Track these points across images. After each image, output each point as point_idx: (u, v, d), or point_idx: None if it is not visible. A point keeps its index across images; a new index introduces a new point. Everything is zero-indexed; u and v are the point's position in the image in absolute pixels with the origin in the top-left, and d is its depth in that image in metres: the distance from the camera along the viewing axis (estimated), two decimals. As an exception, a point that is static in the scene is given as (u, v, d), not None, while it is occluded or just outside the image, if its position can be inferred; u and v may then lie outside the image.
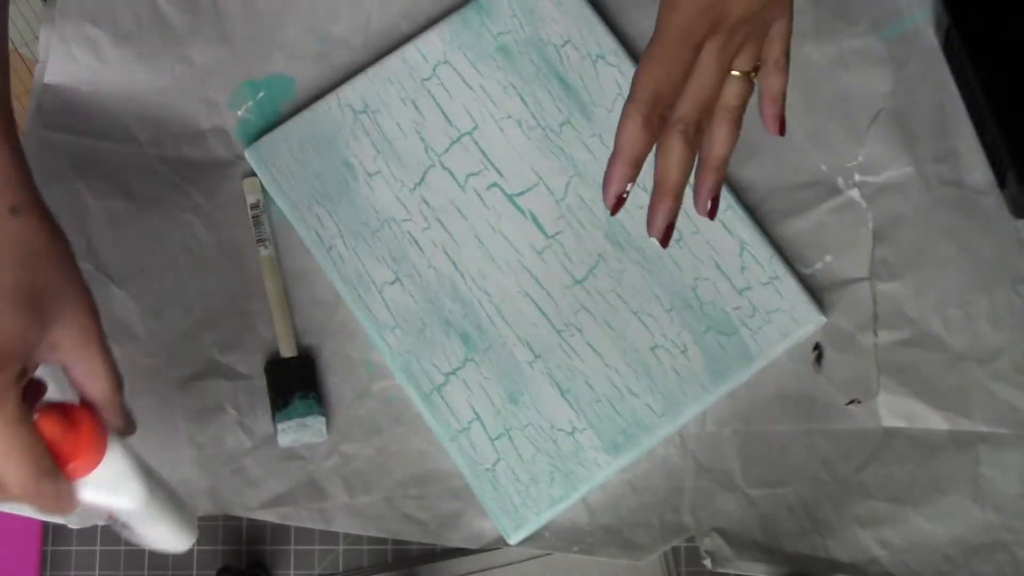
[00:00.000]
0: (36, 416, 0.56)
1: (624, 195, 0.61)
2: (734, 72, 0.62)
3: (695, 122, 0.61)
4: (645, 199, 0.80)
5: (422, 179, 0.81)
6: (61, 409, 0.57)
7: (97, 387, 0.58)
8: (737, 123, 0.63)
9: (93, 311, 0.57)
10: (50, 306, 0.54)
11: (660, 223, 0.63)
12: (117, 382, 0.58)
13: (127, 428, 0.59)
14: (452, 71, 0.82)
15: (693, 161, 0.62)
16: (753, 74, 0.63)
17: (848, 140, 0.81)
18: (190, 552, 0.78)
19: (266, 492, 0.78)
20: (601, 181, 0.80)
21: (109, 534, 0.78)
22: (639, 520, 0.78)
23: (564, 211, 0.80)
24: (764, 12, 0.61)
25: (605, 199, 0.62)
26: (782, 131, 0.66)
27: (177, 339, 0.79)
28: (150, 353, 0.79)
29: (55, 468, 0.54)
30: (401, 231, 0.80)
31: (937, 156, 0.81)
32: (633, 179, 0.61)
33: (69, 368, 0.57)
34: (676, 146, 0.61)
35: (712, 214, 0.64)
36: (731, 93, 0.62)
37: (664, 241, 0.63)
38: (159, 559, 0.78)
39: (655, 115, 0.60)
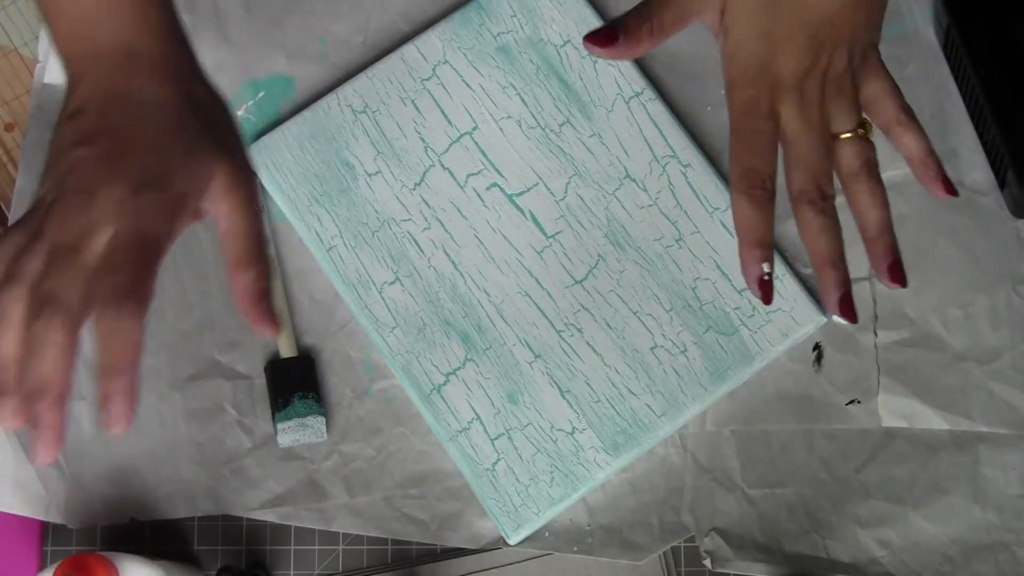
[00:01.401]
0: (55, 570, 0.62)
1: (765, 277, 0.59)
2: (842, 136, 0.60)
3: (814, 189, 0.59)
4: (645, 199, 0.80)
5: (422, 179, 0.81)
6: (79, 562, 0.63)
7: (234, 226, 0.59)
8: (871, 183, 0.61)
9: (247, 167, 0.60)
10: (209, 157, 0.58)
11: (832, 297, 0.60)
12: (253, 226, 0.59)
13: (251, 264, 0.59)
14: (452, 71, 0.82)
15: (835, 227, 0.60)
16: (862, 131, 0.61)
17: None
18: (190, 552, 0.78)
19: (266, 492, 0.78)
20: (601, 181, 0.80)
21: (109, 536, 0.78)
22: (639, 520, 0.78)
23: (564, 211, 0.80)
24: (826, 65, 0.60)
25: (749, 287, 0.60)
26: (949, 190, 0.63)
27: (177, 339, 0.79)
28: (150, 353, 0.79)
29: (149, 294, 0.55)
30: (401, 231, 0.80)
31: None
32: (768, 260, 0.59)
33: (217, 214, 0.59)
34: (807, 216, 0.59)
35: (900, 280, 0.61)
36: (846, 156, 0.61)
37: (851, 317, 0.60)
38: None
39: (755, 189, 0.59)
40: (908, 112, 0.62)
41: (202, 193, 0.58)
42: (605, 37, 0.62)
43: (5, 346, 0.52)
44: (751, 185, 0.59)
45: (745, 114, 0.59)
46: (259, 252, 0.59)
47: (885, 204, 0.61)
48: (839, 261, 0.60)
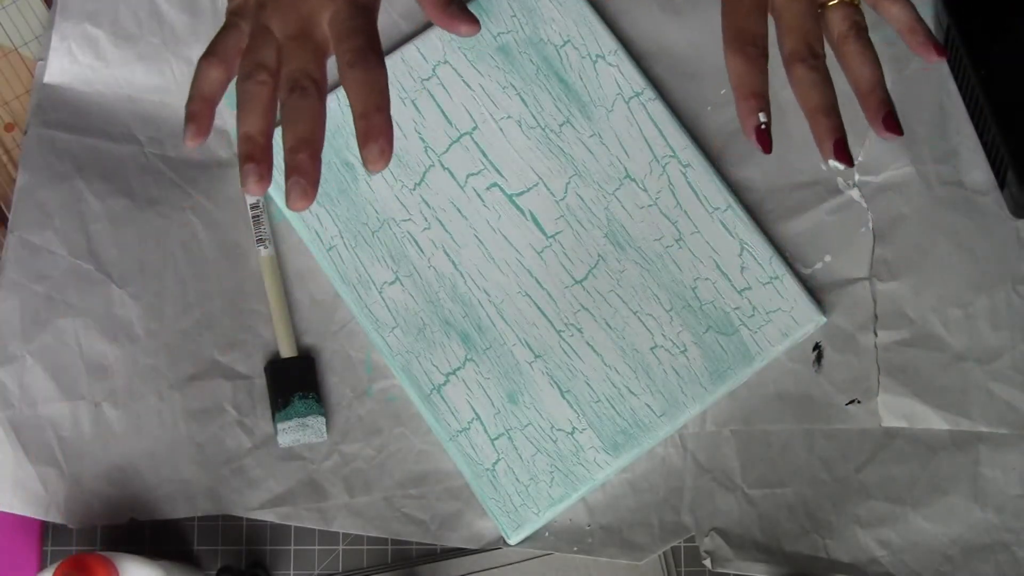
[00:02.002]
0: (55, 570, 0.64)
1: (761, 126, 0.63)
2: (829, 3, 0.64)
3: (804, 48, 0.63)
4: (645, 199, 0.80)
5: (422, 179, 0.81)
6: (79, 562, 0.63)
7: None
8: (859, 43, 0.64)
9: None
10: None
11: (827, 143, 0.63)
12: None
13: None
14: (452, 71, 0.82)
15: (826, 82, 0.63)
16: None
17: (848, 140, 0.81)
18: (190, 552, 0.78)
19: (266, 492, 0.78)
20: (601, 181, 0.80)
21: (109, 536, 0.78)
22: (639, 520, 0.78)
23: (564, 211, 0.80)
24: None
25: (748, 135, 0.63)
26: (940, 53, 0.65)
27: (177, 339, 0.79)
28: (150, 353, 0.79)
29: (380, 51, 0.59)
30: (401, 231, 0.80)
31: (937, 156, 0.81)
32: (764, 109, 0.62)
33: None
34: (799, 73, 0.63)
35: (895, 129, 0.64)
36: (835, 20, 0.64)
37: (845, 159, 0.63)
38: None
39: (748, 47, 0.62)
40: None
41: None
42: (838, 150, 0.64)
43: (254, 123, 0.59)
44: (743, 43, 0.63)
45: None
46: None
47: (876, 62, 0.64)
48: (832, 111, 0.63)
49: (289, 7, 0.61)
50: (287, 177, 0.57)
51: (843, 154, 0.63)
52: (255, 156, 0.58)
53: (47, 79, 0.82)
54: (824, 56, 0.63)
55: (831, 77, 0.63)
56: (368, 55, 0.59)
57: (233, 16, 0.62)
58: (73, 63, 0.82)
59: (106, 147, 0.82)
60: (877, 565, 0.76)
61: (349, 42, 0.59)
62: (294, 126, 0.58)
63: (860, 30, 0.64)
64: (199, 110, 0.61)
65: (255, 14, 0.61)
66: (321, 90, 0.59)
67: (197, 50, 0.83)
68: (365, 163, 0.57)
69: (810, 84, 0.63)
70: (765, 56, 0.63)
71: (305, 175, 0.57)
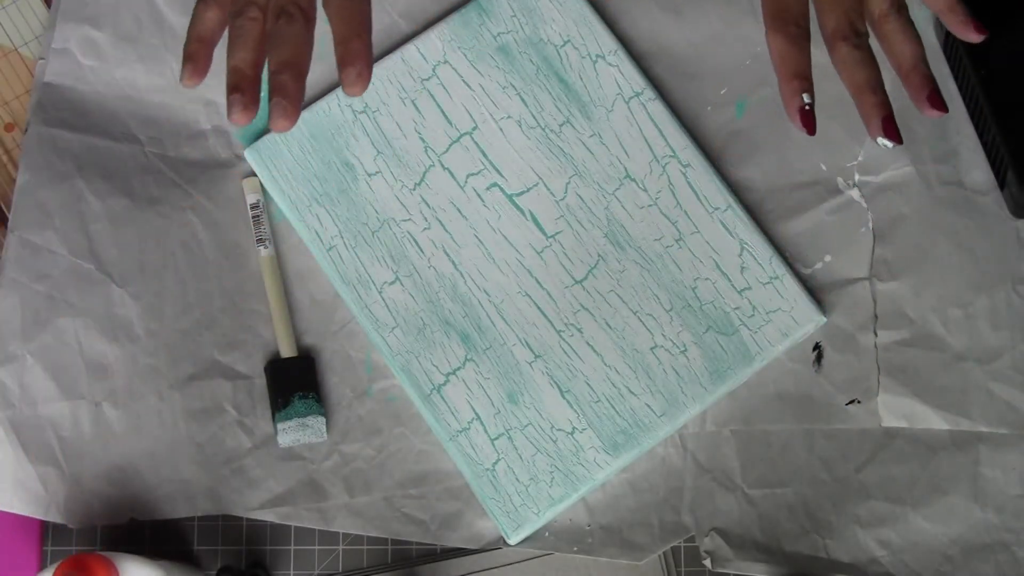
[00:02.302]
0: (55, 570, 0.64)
1: (806, 107, 0.62)
2: None
3: (847, 25, 0.62)
4: (645, 199, 0.80)
5: (422, 179, 0.81)
6: (79, 562, 0.63)
7: None
8: (900, 20, 0.64)
9: None
10: None
11: (875, 121, 0.63)
12: None
13: None
14: (452, 71, 0.82)
15: (871, 59, 0.63)
16: None
17: (848, 140, 0.81)
18: (190, 552, 0.78)
19: (266, 492, 0.78)
20: (601, 181, 0.80)
21: (109, 536, 0.78)
22: (639, 520, 0.78)
23: (564, 211, 0.80)
24: None
25: (791, 118, 0.63)
26: (981, 31, 0.65)
27: (177, 339, 0.79)
28: (150, 353, 0.79)
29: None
30: (401, 231, 0.80)
31: (937, 156, 0.81)
32: (808, 90, 0.62)
33: None
34: (843, 51, 0.62)
35: (940, 106, 0.64)
36: (875, 2, 0.64)
37: (894, 137, 0.63)
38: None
39: (790, 26, 0.62)
40: None
41: None
42: (887, 126, 0.63)
43: (243, 56, 0.59)
44: (785, 22, 0.62)
45: None
46: None
47: (917, 40, 0.64)
48: (879, 88, 0.63)
49: None
50: (270, 98, 0.58)
51: (892, 131, 0.63)
52: (241, 86, 0.59)
53: (47, 78, 0.82)
54: (867, 34, 0.63)
55: (875, 55, 0.63)
56: None
57: None
58: (73, 63, 0.82)
59: (106, 147, 0.82)
60: (877, 565, 0.76)
61: None
62: (279, 50, 0.59)
63: (901, 7, 0.64)
64: (196, 51, 0.62)
65: None
66: (308, 16, 0.59)
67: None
68: (344, 87, 0.58)
69: (855, 62, 0.62)
70: (808, 36, 0.62)
71: (287, 96, 0.58)
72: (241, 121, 0.59)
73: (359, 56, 0.58)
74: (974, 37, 0.65)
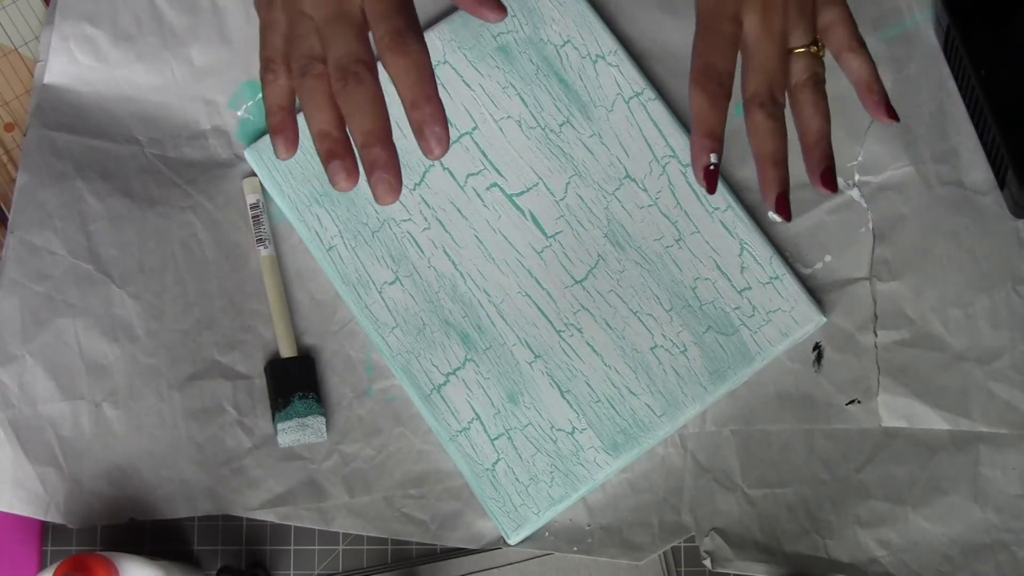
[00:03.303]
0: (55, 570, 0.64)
1: (711, 166, 0.63)
2: (796, 50, 0.65)
3: (767, 92, 0.63)
4: (645, 199, 0.80)
5: (422, 179, 0.81)
6: (79, 562, 0.63)
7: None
8: (816, 94, 0.65)
9: None
10: None
11: (771, 194, 0.64)
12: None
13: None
14: (452, 71, 0.82)
15: (782, 131, 0.63)
16: (815, 48, 0.65)
17: (848, 140, 0.81)
18: (190, 552, 0.78)
19: (266, 492, 0.78)
20: (601, 181, 0.80)
21: (109, 536, 0.78)
22: (639, 520, 0.78)
23: (564, 211, 0.80)
24: None
25: (696, 174, 0.63)
26: (890, 115, 0.67)
27: (177, 339, 0.79)
28: (150, 353, 0.79)
29: (418, 28, 0.59)
30: (401, 231, 0.80)
31: (937, 156, 0.81)
32: (716, 151, 0.63)
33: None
34: (757, 119, 0.63)
35: (831, 186, 0.65)
36: (797, 68, 0.65)
37: (784, 214, 0.64)
38: (159, 559, 0.78)
39: (712, 84, 0.63)
40: (859, 41, 0.66)
41: None
42: (780, 203, 0.65)
43: (324, 118, 0.59)
44: (708, 80, 0.63)
45: (711, 14, 0.64)
46: None
47: (826, 116, 0.65)
48: (781, 162, 0.64)
49: None
50: (368, 175, 0.57)
51: (784, 208, 0.64)
52: (336, 152, 0.58)
53: (47, 80, 0.82)
54: (783, 104, 0.64)
55: (787, 126, 0.64)
56: (408, 36, 0.58)
57: (267, 10, 0.62)
58: (73, 63, 0.82)
59: (106, 147, 0.82)
60: (877, 565, 0.76)
61: (387, 23, 0.58)
62: (359, 118, 0.57)
63: (818, 81, 0.65)
64: (281, 121, 0.61)
65: (284, 6, 0.60)
66: (373, 71, 0.58)
67: (197, 50, 0.83)
68: (424, 153, 0.57)
69: (766, 131, 0.63)
70: (728, 96, 0.63)
71: (386, 168, 0.57)
72: (348, 188, 0.58)
73: (436, 120, 0.57)
74: (884, 120, 0.66)
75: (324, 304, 0.81)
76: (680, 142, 0.81)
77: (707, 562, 0.77)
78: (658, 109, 0.81)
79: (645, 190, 0.80)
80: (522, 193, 0.80)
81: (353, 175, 0.58)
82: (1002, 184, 0.79)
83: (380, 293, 0.79)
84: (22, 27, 0.85)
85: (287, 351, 0.79)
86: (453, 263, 0.79)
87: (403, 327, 0.79)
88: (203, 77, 0.83)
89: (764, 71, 0.63)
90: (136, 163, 0.82)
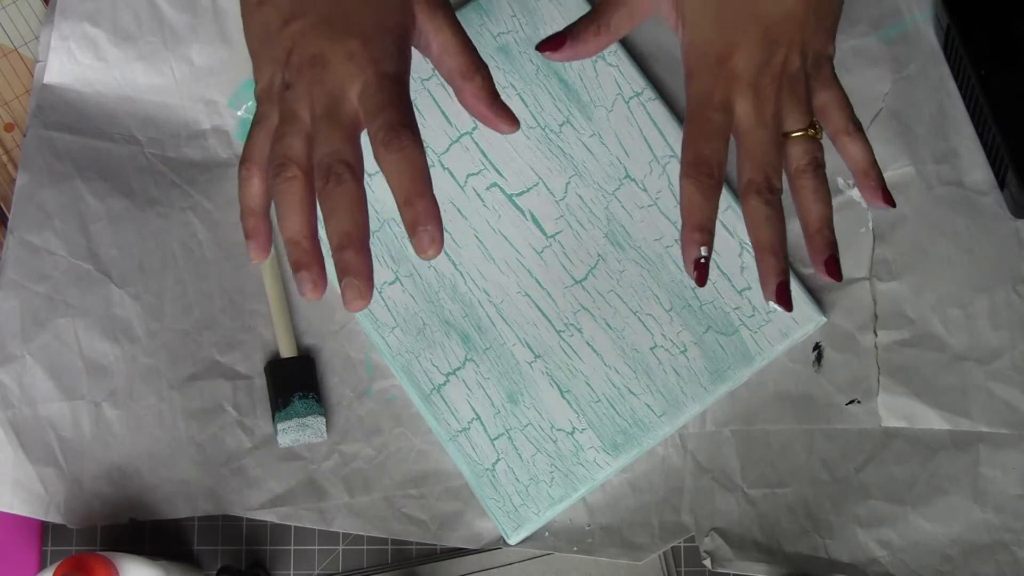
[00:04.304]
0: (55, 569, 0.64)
1: (702, 260, 0.61)
2: (793, 134, 0.63)
3: (763, 180, 0.61)
4: (645, 199, 0.80)
5: (422, 179, 0.81)
6: (79, 562, 0.64)
7: (453, 62, 0.63)
8: (816, 179, 0.63)
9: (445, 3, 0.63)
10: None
11: (771, 284, 0.62)
12: (463, 39, 0.63)
13: (475, 72, 0.63)
14: (452, 71, 0.82)
15: (779, 218, 0.62)
16: (812, 131, 0.63)
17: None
18: (190, 552, 0.78)
19: (266, 492, 0.78)
20: (601, 181, 0.80)
21: (109, 536, 0.78)
22: (639, 520, 0.78)
23: (564, 211, 0.80)
24: (781, 64, 0.62)
25: (685, 267, 0.62)
26: (887, 201, 0.65)
27: (177, 339, 0.79)
28: (150, 353, 0.79)
29: (413, 123, 0.57)
30: (401, 231, 0.80)
31: (937, 156, 0.81)
32: (707, 244, 0.61)
33: (427, 41, 0.62)
34: (754, 207, 0.61)
35: (836, 275, 0.64)
36: (795, 153, 0.63)
37: (785, 304, 0.62)
38: (159, 559, 0.78)
39: (703, 176, 0.61)
40: (856, 124, 0.65)
41: (412, 27, 0.61)
42: (555, 41, 0.67)
43: (293, 225, 0.57)
44: (699, 172, 0.61)
45: (700, 103, 0.62)
46: (477, 59, 0.63)
47: (827, 201, 0.64)
48: (780, 250, 0.62)
49: (315, 84, 0.58)
50: (339, 277, 0.56)
51: (784, 299, 0.62)
52: (304, 263, 0.57)
53: (47, 79, 0.82)
54: (781, 190, 0.62)
55: (784, 213, 0.62)
56: (402, 132, 0.57)
57: (263, 104, 0.60)
58: (73, 63, 0.82)
59: (106, 147, 0.82)
60: (877, 565, 0.76)
61: (381, 117, 0.57)
62: (335, 220, 0.56)
63: (818, 167, 0.63)
64: (254, 227, 0.61)
65: (280, 96, 0.59)
66: (356, 173, 0.57)
67: (197, 50, 0.83)
68: (417, 251, 0.56)
69: (763, 219, 0.61)
70: (719, 187, 0.61)
71: (357, 273, 0.55)
72: (315, 297, 0.57)
73: (430, 217, 0.56)
74: (881, 206, 0.65)
75: (324, 304, 0.81)
76: (680, 142, 0.81)
77: (707, 562, 0.77)
78: (658, 109, 0.81)
79: (645, 190, 0.80)
80: (522, 193, 0.80)
81: (320, 286, 0.57)
82: (1002, 184, 0.79)
83: (380, 293, 0.79)
84: (22, 27, 0.85)
85: (287, 351, 0.79)
86: (453, 263, 0.79)
87: (403, 327, 0.79)
88: (203, 77, 0.83)
89: (759, 158, 0.62)
90: (136, 163, 0.82)
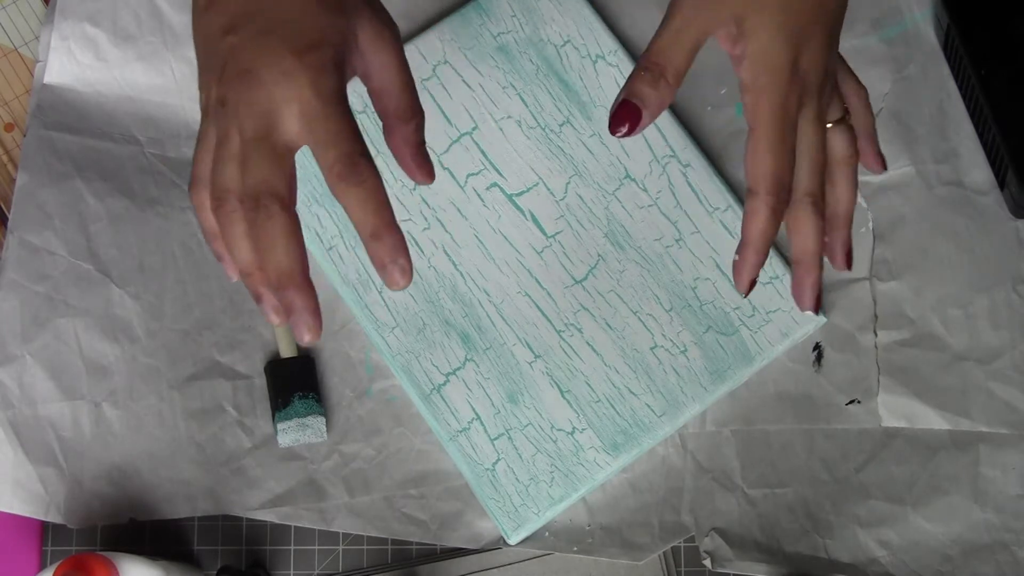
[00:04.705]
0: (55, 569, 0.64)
1: (756, 280, 0.61)
2: (834, 124, 0.62)
3: (819, 189, 0.60)
4: (645, 199, 0.80)
5: (422, 179, 0.81)
6: (79, 562, 0.64)
7: (392, 102, 0.60)
8: (853, 174, 0.63)
9: (390, 22, 0.60)
10: (352, 11, 0.58)
11: (810, 295, 0.62)
12: (407, 79, 0.60)
13: (412, 117, 0.61)
14: (452, 71, 0.82)
15: (823, 229, 0.61)
16: (848, 117, 0.63)
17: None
18: (190, 552, 0.78)
19: (266, 492, 0.78)
20: (601, 181, 0.80)
21: (109, 536, 0.78)
22: (639, 520, 0.78)
23: (564, 211, 0.80)
24: (832, 63, 0.61)
25: (738, 285, 0.61)
26: (883, 166, 0.66)
27: (177, 339, 0.79)
28: (150, 353, 0.79)
29: (367, 151, 0.55)
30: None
31: (937, 156, 0.81)
32: (763, 265, 0.61)
33: (367, 69, 0.60)
34: (810, 220, 0.60)
35: (850, 265, 0.64)
36: (839, 145, 0.62)
37: (817, 310, 0.62)
38: (159, 559, 0.78)
39: (781, 204, 0.59)
40: (865, 92, 0.65)
41: (353, 48, 0.58)
42: (630, 116, 0.60)
43: (241, 258, 0.56)
44: (778, 200, 0.59)
45: (777, 121, 0.59)
46: (416, 104, 0.61)
47: (854, 198, 0.64)
48: (820, 262, 0.62)
49: (246, 104, 0.55)
50: (287, 316, 0.54)
51: (818, 307, 0.62)
52: (260, 293, 0.57)
53: (47, 79, 0.82)
54: (824, 195, 0.61)
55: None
56: (359, 163, 0.54)
57: (204, 119, 0.57)
58: (73, 63, 0.82)
59: (106, 147, 0.82)
60: (877, 565, 0.76)
61: (336, 149, 0.54)
62: (270, 257, 0.54)
63: (855, 159, 0.63)
64: (219, 249, 0.60)
65: (215, 114, 0.56)
66: (286, 203, 0.54)
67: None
68: (388, 285, 0.55)
69: (813, 230, 0.60)
70: (787, 206, 0.59)
71: (302, 310, 0.54)
72: (282, 325, 0.56)
73: (399, 251, 0.54)
74: (877, 170, 0.66)
75: (324, 304, 0.81)
76: (680, 142, 0.81)
77: (707, 562, 0.77)
78: (658, 109, 0.81)
79: (645, 190, 0.80)
80: (522, 193, 0.80)
81: (280, 313, 0.56)
82: (1002, 184, 0.79)
83: (380, 293, 0.79)
84: (22, 27, 0.85)
85: (287, 351, 0.79)
86: (453, 263, 0.79)
87: (403, 327, 0.79)
88: (203, 77, 0.83)
89: (817, 168, 0.60)
90: (136, 163, 0.82)
